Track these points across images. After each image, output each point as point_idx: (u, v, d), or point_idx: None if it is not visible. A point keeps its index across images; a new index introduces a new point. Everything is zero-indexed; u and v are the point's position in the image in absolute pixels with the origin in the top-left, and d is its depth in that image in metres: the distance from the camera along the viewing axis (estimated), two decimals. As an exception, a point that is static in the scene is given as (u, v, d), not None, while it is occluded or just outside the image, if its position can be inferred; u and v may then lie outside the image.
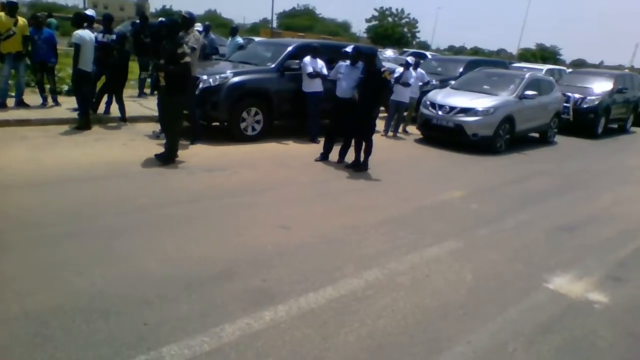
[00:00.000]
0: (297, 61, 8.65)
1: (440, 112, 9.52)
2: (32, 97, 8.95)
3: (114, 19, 9.27)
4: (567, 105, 12.62)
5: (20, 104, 8.58)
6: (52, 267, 3.56)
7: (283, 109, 8.73)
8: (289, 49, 9.02)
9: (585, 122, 12.94)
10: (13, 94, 8.66)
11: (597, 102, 12.96)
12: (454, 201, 6.31)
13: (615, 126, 14.85)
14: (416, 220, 5.41)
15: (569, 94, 12.86)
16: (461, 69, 12.94)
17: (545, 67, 18.26)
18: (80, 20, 7.85)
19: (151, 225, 4.52)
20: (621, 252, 5.05)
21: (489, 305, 3.68)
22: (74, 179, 5.55)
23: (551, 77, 12.95)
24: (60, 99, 9.17)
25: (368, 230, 4.92)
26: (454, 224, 5.38)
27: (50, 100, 8.94)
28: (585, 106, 12.92)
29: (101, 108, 8.75)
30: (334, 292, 3.61)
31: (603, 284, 4.24)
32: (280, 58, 8.80)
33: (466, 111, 9.25)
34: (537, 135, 11.41)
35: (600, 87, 13.64)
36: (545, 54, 72.81)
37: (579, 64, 69.07)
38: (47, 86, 8.98)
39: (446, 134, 9.54)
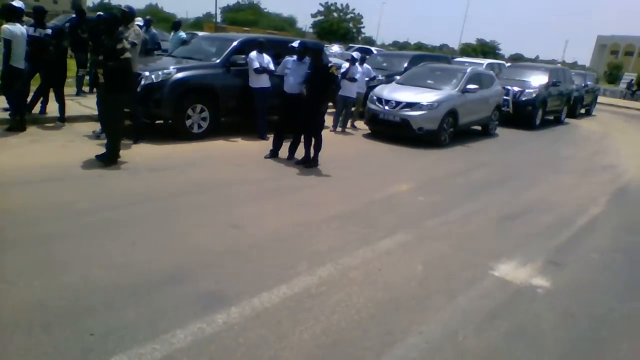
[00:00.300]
0: (243, 56, 8.50)
1: (386, 107, 9.67)
2: (-44, 96, 8.32)
3: (46, 12, 8.75)
4: (507, 98, 13.19)
5: (-57, 103, 7.96)
6: (-16, 280, 3.33)
7: (230, 105, 8.57)
8: (234, 44, 8.86)
9: (524, 115, 13.58)
10: None
11: (534, 95, 13.62)
12: (402, 194, 6.43)
13: (552, 118, 15.66)
14: (367, 215, 5.47)
15: (509, 87, 13.47)
16: (406, 64, 13.21)
17: (486, 61, 18.95)
18: (9, 13, 7.34)
19: (94, 230, 4.31)
20: (559, 239, 5.33)
21: (439, 295, 3.78)
22: (6, 184, 5.19)
23: (491, 72, 13.46)
24: (-11, 98, 8.56)
25: (320, 227, 4.92)
26: (403, 217, 5.49)
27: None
28: (523, 99, 13.56)
29: (37, 108, 8.24)
30: (287, 291, 3.58)
31: (544, 269, 4.45)
32: (225, 53, 8.62)
33: (411, 106, 9.45)
34: (479, 128, 11.84)
35: (537, 80, 14.36)
36: (485, 49, 75.78)
37: (516, 59, 72.28)
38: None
39: (393, 129, 9.71)
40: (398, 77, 11.47)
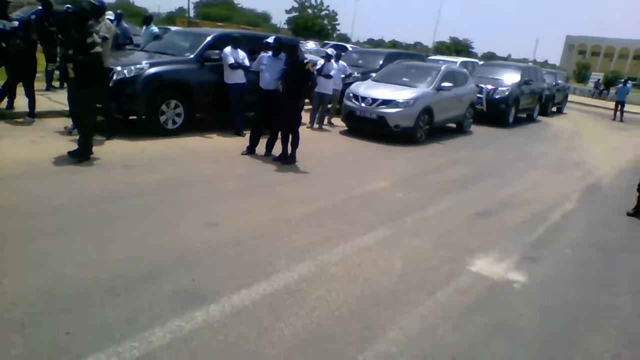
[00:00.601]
0: (217, 52, 8.39)
1: (363, 104, 9.70)
2: None
3: (9, 3, 8.39)
4: (481, 96, 13.40)
5: None
6: (-50, 280, 3.20)
7: (205, 101, 8.46)
8: (208, 38, 8.74)
9: (497, 112, 13.82)
10: None
11: (507, 93, 13.88)
12: (380, 191, 6.46)
13: (524, 115, 15.98)
14: (345, 211, 5.48)
15: (482, 85, 13.67)
16: (381, 61, 13.27)
17: (459, 59, 19.20)
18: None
19: (67, 227, 4.19)
20: (534, 234, 5.44)
21: (418, 290, 3.80)
22: (-27, 181, 5.01)
23: (465, 70, 13.65)
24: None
25: (298, 223, 4.90)
26: (381, 213, 5.52)
27: None
28: (497, 97, 13.79)
29: (3, 103, 7.95)
30: (267, 288, 3.56)
31: (520, 264, 4.53)
32: (199, 48, 8.49)
33: (387, 103, 9.50)
34: (454, 125, 11.99)
35: (510, 78, 14.64)
36: (459, 47, 76.90)
37: (489, 57, 73.54)
38: None
39: (369, 126, 9.75)
40: (374, 75, 11.52)
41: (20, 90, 7.83)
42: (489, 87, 13.89)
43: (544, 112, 17.82)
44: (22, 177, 5.30)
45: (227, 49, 8.28)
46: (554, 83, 19.00)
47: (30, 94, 7.78)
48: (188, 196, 5.36)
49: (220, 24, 41.74)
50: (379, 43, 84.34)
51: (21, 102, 7.87)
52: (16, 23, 7.81)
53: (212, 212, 4.93)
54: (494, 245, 4.90)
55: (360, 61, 13.94)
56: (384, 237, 4.80)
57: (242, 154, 7.38)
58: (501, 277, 4.21)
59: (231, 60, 8.22)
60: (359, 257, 4.27)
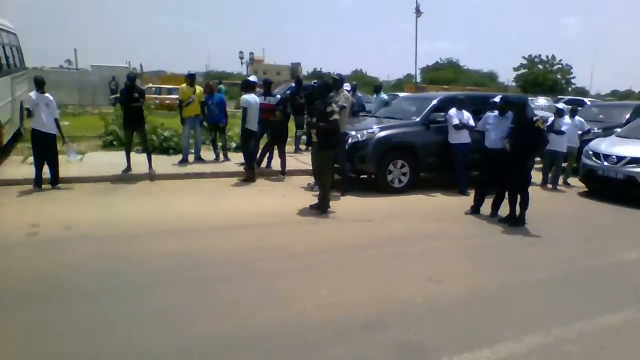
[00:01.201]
0: (442, 114, 8.72)
1: (606, 163, 8.62)
2: (207, 153, 10.29)
3: (272, 83, 10.34)
4: None
5: (198, 159, 9.91)
6: (217, 305, 3.98)
7: (429, 161, 8.77)
8: (434, 102, 9.15)
9: None
10: (192, 151, 10.03)
11: None
12: (629, 263, 5.57)
13: None
14: (582, 282, 4.89)
15: None
16: (628, 115, 11.65)
17: None
18: (247, 85, 8.98)
19: (306, 271, 4.81)
20: None
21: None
22: (239, 225, 6.18)
23: None
24: (229, 154, 10.39)
25: (528, 290, 4.58)
26: (631, 290, 4.74)
27: (221, 156, 10.18)
28: None
29: (264, 162, 9.68)
30: (491, 355, 3.40)
31: None
32: (425, 112, 8.95)
33: (638, 161, 8.25)
34: None
35: None
36: None
37: None
38: (219, 144, 10.27)
39: (614, 187, 8.56)
40: (618, 130, 10.18)
41: (275, 152, 9.42)
42: None
43: None
44: (273, 225, 6.30)
45: (452, 111, 8.52)
46: None
47: (282, 156, 9.30)
48: (411, 251, 5.54)
49: (446, 87, 42.71)
50: (626, 95, 73.82)
51: (276, 162, 9.44)
52: (278, 97, 9.55)
53: (434, 269, 4.98)
54: None
55: (601, 115, 12.53)
56: (633, 319, 4.11)
57: (466, 213, 7.30)
58: None
59: (455, 121, 8.40)
60: (602, 338, 3.74)
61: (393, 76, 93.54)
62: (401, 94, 18.95)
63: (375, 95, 13.74)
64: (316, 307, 4.00)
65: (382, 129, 8.51)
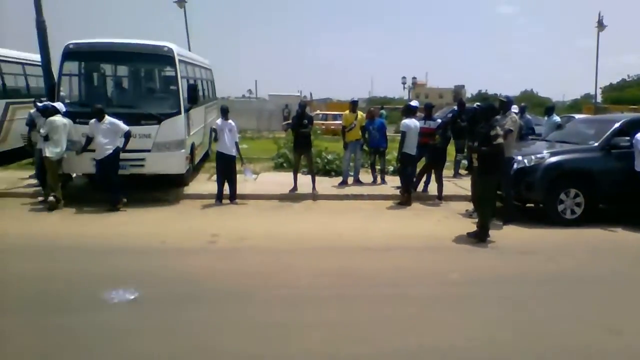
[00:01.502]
0: (627, 138, 7.67)
1: None
2: (365, 176, 10.61)
3: (433, 107, 10.27)
4: None
5: (357, 181, 10.29)
6: (367, 325, 4.08)
7: (609, 191, 7.75)
8: (616, 125, 8.10)
9: None
10: (352, 174, 10.45)
11: None
12: None
13: None
14: None
15: None
16: None
17: None
18: (408, 110, 9.09)
19: (459, 300, 4.64)
20: None
21: None
22: (394, 248, 6.25)
23: None
24: (387, 178, 10.56)
25: None
26: None
27: (379, 179, 10.41)
28: None
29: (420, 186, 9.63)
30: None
31: None
32: (605, 136, 7.97)
33: None
34: None
35: None
36: None
37: None
38: (378, 167, 10.52)
39: None
40: None
41: (431, 176, 9.31)
42: None
43: None
44: (426, 250, 6.24)
45: (639, 135, 7.47)
46: None
47: (439, 180, 9.13)
48: (583, 293, 4.96)
49: (634, 107, 37.34)
50: None
51: (432, 187, 9.32)
52: (438, 122, 9.45)
53: (613, 315, 4.40)
54: None
55: None
56: None
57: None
58: None
59: (645, 147, 7.33)
60: None
61: (569, 96, 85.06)
62: (577, 116, 17.17)
63: (546, 118, 12.64)
64: (467, 340, 3.85)
65: (553, 154, 7.81)
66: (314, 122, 11.26)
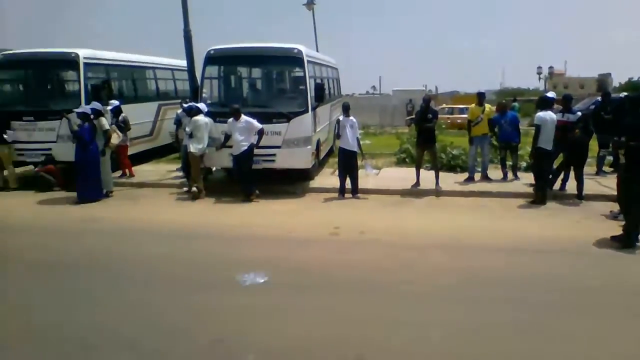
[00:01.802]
0: None
1: None
2: (494, 172, 10.06)
3: (572, 99, 9.38)
4: None
5: (485, 178, 9.81)
6: (487, 328, 3.92)
7: None
8: None
9: None
10: (479, 169, 10.00)
11: None
12: None
13: None
14: None
15: None
16: None
17: None
18: (543, 102, 8.41)
19: (598, 310, 4.25)
20: None
21: None
22: (520, 249, 5.88)
23: None
24: (519, 174, 9.91)
25: None
26: None
27: (510, 175, 9.81)
28: None
29: (557, 184, 8.88)
30: None
31: None
32: None
33: None
34: None
35: None
36: None
37: None
38: (509, 163, 9.91)
39: None
40: None
41: (571, 174, 8.53)
42: None
43: None
44: (562, 253, 5.78)
45: None
46: None
47: (579, 178, 8.33)
48: None
49: None
50: None
51: (571, 185, 8.53)
52: (578, 114, 8.61)
53: None
54: None
55: None
56: None
57: None
58: None
59: None
60: None
61: None
62: None
63: None
64: (612, 356, 3.54)
65: None
66: (439, 116, 10.97)
